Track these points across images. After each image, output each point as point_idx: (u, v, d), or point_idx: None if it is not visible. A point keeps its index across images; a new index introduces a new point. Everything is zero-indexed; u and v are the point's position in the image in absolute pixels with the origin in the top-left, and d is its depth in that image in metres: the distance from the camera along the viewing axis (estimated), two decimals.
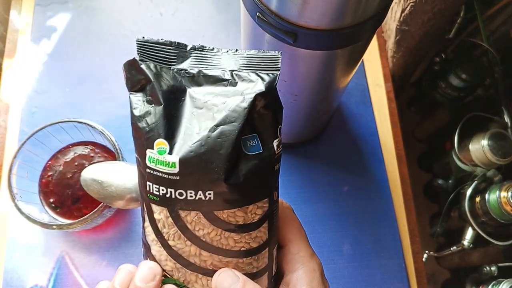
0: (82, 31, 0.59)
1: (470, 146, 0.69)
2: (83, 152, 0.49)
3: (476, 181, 0.68)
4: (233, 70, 0.23)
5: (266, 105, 0.23)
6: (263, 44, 0.32)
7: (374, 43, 0.61)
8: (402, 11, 0.54)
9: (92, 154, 0.49)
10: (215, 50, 0.25)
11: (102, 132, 0.46)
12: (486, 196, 0.64)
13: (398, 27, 0.57)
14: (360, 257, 0.50)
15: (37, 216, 0.43)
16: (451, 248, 0.74)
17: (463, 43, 0.76)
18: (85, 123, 0.46)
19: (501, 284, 0.60)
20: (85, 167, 0.44)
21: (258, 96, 0.22)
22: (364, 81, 0.58)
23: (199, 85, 0.23)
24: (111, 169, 0.43)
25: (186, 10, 0.61)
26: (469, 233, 0.70)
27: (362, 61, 0.59)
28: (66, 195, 0.47)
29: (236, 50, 0.24)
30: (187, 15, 0.61)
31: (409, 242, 0.52)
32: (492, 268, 0.67)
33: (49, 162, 0.48)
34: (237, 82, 0.23)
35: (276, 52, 0.24)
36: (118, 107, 0.55)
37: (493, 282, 0.63)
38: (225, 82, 0.23)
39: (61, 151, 0.49)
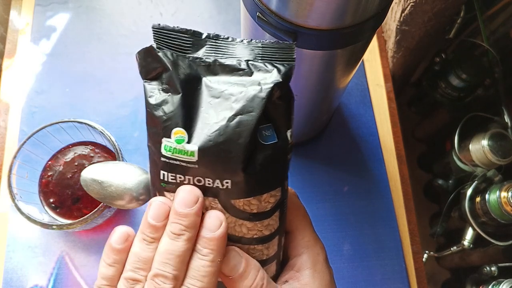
0: (82, 31, 0.59)
1: (470, 146, 0.69)
2: (83, 152, 0.49)
3: (476, 181, 0.68)
4: (248, 60, 0.23)
5: (281, 96, 0.23)
6: None
7: (374, 43, 0.61)
8: (402, 11, 0.54)
9: (92, 154, 0.49)
10: (230, 39, 0.24)
11: (102, 132, 0.46)
12: (486, 196, 0.64)
13: (398, 27, 0.57)
14: (360, 257, 0.50)
15: (37, 216, 0.43)
16: (451, 248, 0.74)
17: (463, 43, 0.76)
18: (85, 123, 0.46)
19: (501, 284, 0.60)
20: (85, 167, 0.44)
21: (275, 87, 0.22)
22: (364, 81, 0.58)
23: (215, 74, 0.23)
24: (111, 169, 0.43)
25: (186, 10, 0.61)
26: (469, 233, 0.70)
27: (362, 61, 0.59)
28: (66, 195, 0.47)
29: (251, 40, 0.24)
30: (187, 15, 0.61)
31: (409, 242, 0.52)
32: (492, 268, 0.67)
33: (49, 162, 0.48)
34: (253, 72, 0.23)
35: (291, 43, 0.24)
36: (118, 107, 0.55)
37: (493, 282, 0.63)
38: (241, 71, 0.23)
39: (61, 151, 0.49)
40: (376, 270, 0.50)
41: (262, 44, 0.24)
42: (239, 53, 0.24)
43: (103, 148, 0.49)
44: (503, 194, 0.61)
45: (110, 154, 0.49)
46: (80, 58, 0.57)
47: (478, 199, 0.67)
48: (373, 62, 0.60)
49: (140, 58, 0.25)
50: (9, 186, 0.43)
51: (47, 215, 0.46)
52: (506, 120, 0.67)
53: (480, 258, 0.73)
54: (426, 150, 1.02)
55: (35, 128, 0.45)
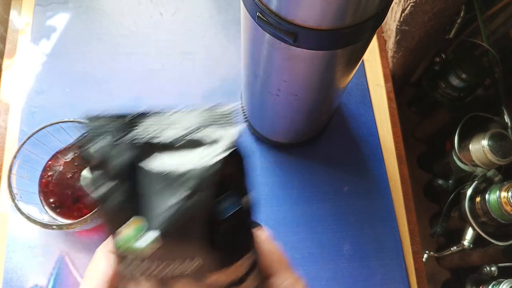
0: (82, 31, 0.59)
1: (470, 146, 0.69)
2: None
3: (476, 181, 0.68)
4: (189, 133, 0.22)
5: (232, 164, 0.22)
6: (263, 44, 0.32)
7: (374, 43, 0.61)
8: (402, 11, 0.54)
9: None
10: (166, 112, 0.23)
11: None
12: (486, 196, 0.64)
13: (398, 27, 0.57)
14: (360, 257, 0.50)
15: (37, 216, 0.43)
16: (451, 248, 0.74)
17: (463, 43, 0.76)
18: (85, 123, 0.46)
19: (501, 284, 0.60)
20: (85, 167, 0.44)
21: (223, 158, 0.21)
22: (364, 81, 0.58)
23: (159, 153, 0.22)
24: None
25: (186, 10, 0.61)
26: (469, 233, 0.70)
27: (362, 61, 0.59)
28: (66, 195, 0.47)
29: (189, 108, 0.23)
30: (187, 15, 0.61)
31: (409, 242, 0.52)
32: (492, 268, 0.67)
33: (49, 162, 0.48)
34: (197, 145, 0.22)
35: (232, 104, 0.23)
36: (118, 107, 0.55)
37: (493, 282, 0.63)
38: (184, 146, 0.22)
39: (61, 151, 0.49)
40: (376, 270, 0.50)
41: (202, 111, 0.22)
42: (180, 126, 0.22)
43: None
44: (503, 194, 0.61)
45: None
46: (80, 58, 0.57)
47: (478, 199, 0.67)
48: (373, 62, 0.60)
49: (77, 148, 0.24)
50: (9, 186, 0.43)
51: (47, 215, 0.46)
52: (506, 120, 0.67)
53: (480, 258, 0.73)
54: (426, 150, 1.02)
55: (35, 128, 0.45)
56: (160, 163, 0.21)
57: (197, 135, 0.22)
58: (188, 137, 0.22)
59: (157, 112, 0.23)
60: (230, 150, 0.21)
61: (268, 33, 0.29)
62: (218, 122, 0.22)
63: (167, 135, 0.22)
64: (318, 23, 0.26)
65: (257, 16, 0.28)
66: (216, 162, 0.21)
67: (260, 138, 0.54)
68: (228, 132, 0.22)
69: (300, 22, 0.26)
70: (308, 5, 0.25)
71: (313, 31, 0.26)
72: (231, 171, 0.22)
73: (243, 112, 0.54)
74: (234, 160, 0.22)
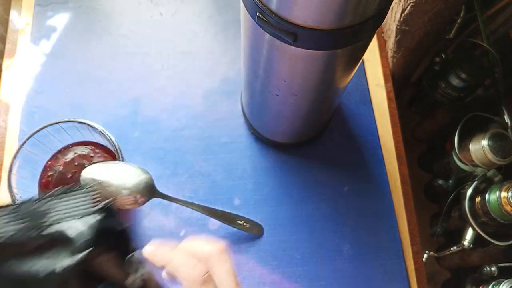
0: (82, 31, 0.59)
1: (470, 146, 0.69)
2: (83, 152, 0.49)
3: (476, 181, 0.68)
4: (40, 230, 0.19)
5: (99, 252, 0.20)
6: (263, 44, 0.32)
7: (374, 43, 0.61)
8: (402, 11, 0.54)
9: (92, 154, 0.49)
10: (15, 205, 0.20)
11: (102, 132, 0.46)
12: (486, 196, 0.64)
13: (398, 27, 0.57)
14: (360, 257, 0.50)
15: None
16: (451, 248, 0.74)
17: (463, 43, 0.76)
18: (85, 123, 0.46)
19: (501, 284, 0.60)
20: (85, 167, 0.44)
21: (84, 255, 0.19)
22: (364, 81, 0.58)
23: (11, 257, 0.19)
24: (111, 169, 0.43)
25: (186, 10, 0.61)
26: (469, 233, 0.70)
27: (362, 61, 0.59)
28: None
29: (37, 199, 0.20)
30: (187, 15, 0.61)
31: (409, 242, 0.52)
32: (492, 268, 0.67)
33: (49, 162, 0.48)
34: (52, 243, 0.19)
35: (88, 186, 0.21)
36: (118, 107, 0.55)
37: (493, 282, 0.63)
38: (36, 251, 0.19)
39: (61, 151, 0.49)
40: (376, 270, 0.50)
41: (54, 200, 0.20)
42: (29, 223, 0.19)
43: (103, 148, 0.49)
44: (503, 194, 0.61)
45: (110, 154, 0.49)
46: (80, 58, 0.57)
47: (478, 199, 0.67)
48: (373, 62, 0.60)
49: None
50: (9, 186, 0.43)
51: None
52: (506, 120, 0.67)
53: (480, 258, 0.73)
54: (426, 150, 1.02)
55: (35, 128, 0.45)
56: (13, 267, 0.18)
57: (51, 232, 0.19)
58: (41, 236, 0.19)
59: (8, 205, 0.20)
60: (91, 239, 0.19)
61: (268, 33, 0.29)
62: (76, 208, 0.20)
63: (27, 232, 0.19)
64: (318, 23, 0.26)
65: (257, 16, 0.28)
66: (75, 260, 0.18)
67: (260, 138, 0.54)
68: (84, 222, 0.19)
69: (300, 22, 0.26)
70: (308, 5, 0.25)
71: (313, 31, 0.26)
72: (101, 260, 0.20)
73: (243, 112, 0.54)
74: (101, 249, 0.20)
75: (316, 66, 0.32)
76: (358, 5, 0.25)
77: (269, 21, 0.27)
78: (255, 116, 0.51)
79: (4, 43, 0.59)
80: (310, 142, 0.54)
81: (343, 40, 0.28)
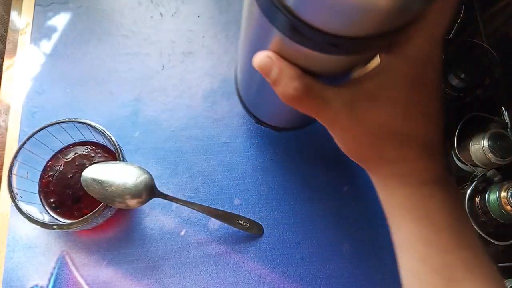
0: (83, 31, 0.59)
1: (470, 146, 0.69)
2: (84, 152, 0.49)
3: (476, 181, 0.68)
4: None
5: None
6: (267, 41, 0.29)
7: None
8: None
9: (92, 154, 0.49)
10: None
11: (102, 132, 0.46)
12: (486, 196, 0.64)
13: None
14: (360, 257, 0.50)
15: (38, 216, 0.43)
16: None
17: (463, 43, 0.76)
18: (85, 123, 0.46)
19: None
20: (86, 167, 0.44)
21: None
22: None
23: None
24: (112, 169, 0.43)
25: (187, 11, 0.61)
26: None
27: None
28: (66, 195, 0.47)
29: None
30: (187, 15, 0.61)
31: None
32: None
33: (50, 162, 0.48)
34: None
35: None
36: (119, 107, 0.55)
37: None
38: None
39: (61, 151, 0.49)
40: (376, 270, 0.50)
41: None
42: None
43: (104, 148, 0.49)
44: (503, 194, 0.61)
45: (110, 154, 0.49)
46: (80, 58, 0.58)
47: (477, 199, 0.67)
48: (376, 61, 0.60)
49: None
50: (10, 186, 0.43)
51: (47, 215, 0.46)
52: (506, 120, 0.67)
53: None
54: None
55: (36, 128, 0.45)
56: None
57: None
58: None
59: None
60: None
61: (302, 45, 0.25)
62: None
63: None
64: (357, 32, 0.23)
65: (289, 29, 0.24)
66: None
67: (260, 135, 0.54)
68: None
69: (342, 33, 0.23)
70: (352, 18, 0.21)
71: (352, 40, 0.23)
72: None
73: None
74: None
75: (343, 64, 0.30)
76: (400, 14, 0.22)
77: (304, 34, 0.23)
78: (253, 103, 0.48)
79: (4, 43, 0.59)
80: (310, 142, 0.54)
81: (383, 44, 0.25)
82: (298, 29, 0.23)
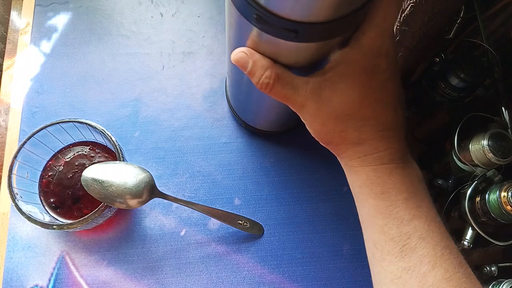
0: (83, 31, 0.59)
1: (470, 146, 0.69)
2: (84, 152, 0.49)
3: (476, 181, 0.68)
4: None
5: None
6: (254, 40, 0.31)
7: None
8: (402, 11, 0.54)
9: (92, 154, 0.49)
10: None
11: (102, 132, 0.46)
12: (486, 196, 0.64)
13: (398, 27, 0.57)
14: (360, 257, 0.50)
15: (38, 216, 0.43)
16: None
17: (463, 43, 0.76)
18: (85, 123, 0.46)
19: (501, 284, 0.60)
20: (86, 167, 0.44)
21: None
22: None
23: None
24: (112, 169, 0.43)
25: (187, 11, 0.61)
26: (469, 233, 0.70)
27: None
28: (66, 195, 0.47)
29: None
30: (187, 15, 0.61)
31: None
32: (492, 268, 0.67)
33: (50, 162, 0.48)
34: None
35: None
36: (119, 107, 0.55)
37: (493, 282, 0.63)
38: None
39: (61, 151, 0.49)
40: None
41: None
42: None
43: (104, 148, 0.49)
44: (503, 194, 0.61)
45: (110, 154, 0.49)
46: (80, 58, 0.58)
47: (478, 199, 0.67)
48: None
49: None
50: (10, 186, 0.43)
51: (47, 215, 0.46)
52: (506, 120, 0.67)
53: (480, 258, 0.73)
54: (426, 150, 1.02)
55: (36, 128, 0.45)
56: None
57: None
58: None
59: None
60: None
61: (267, 33, 0.29)
62: None
63: None
64: (317, 18, 0.26)
65: (255, 18, 0.27)
66: None
67: (256, 132, 0.54)
68: None
69: (302, 19, 0.26)
70: (310, 3, 0.25)
71: (313, 25, 0.26)
72: None
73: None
74: None
75: (306, 54, 0.32)
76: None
77: (268, 22, 0.27)
78: (242, 109, 0.50)
79: (4, 43, 0.59)
80: (310, 142, 0.54)
81: (338, 30, 0.28)
82: (263, 18, 0.27)
